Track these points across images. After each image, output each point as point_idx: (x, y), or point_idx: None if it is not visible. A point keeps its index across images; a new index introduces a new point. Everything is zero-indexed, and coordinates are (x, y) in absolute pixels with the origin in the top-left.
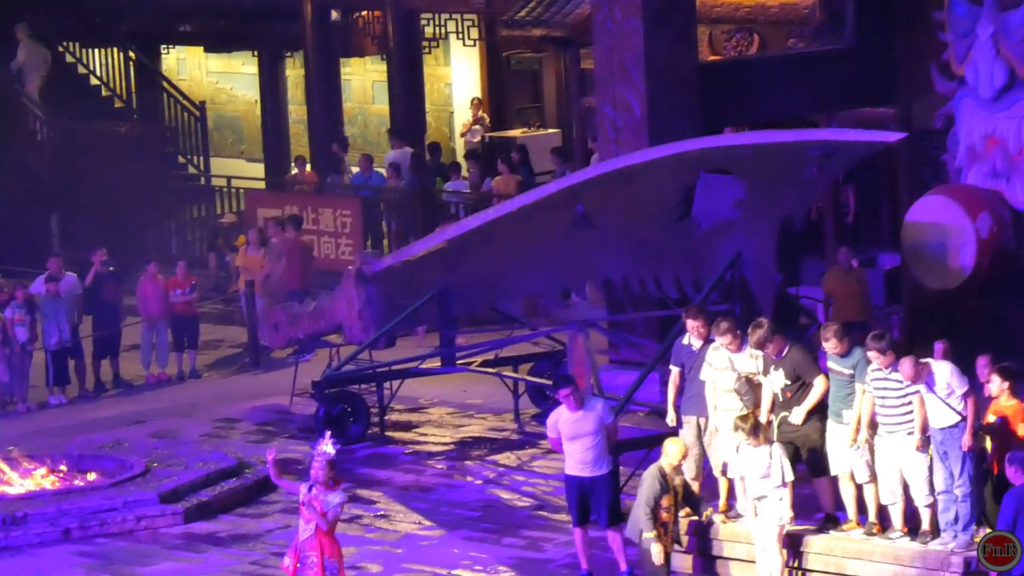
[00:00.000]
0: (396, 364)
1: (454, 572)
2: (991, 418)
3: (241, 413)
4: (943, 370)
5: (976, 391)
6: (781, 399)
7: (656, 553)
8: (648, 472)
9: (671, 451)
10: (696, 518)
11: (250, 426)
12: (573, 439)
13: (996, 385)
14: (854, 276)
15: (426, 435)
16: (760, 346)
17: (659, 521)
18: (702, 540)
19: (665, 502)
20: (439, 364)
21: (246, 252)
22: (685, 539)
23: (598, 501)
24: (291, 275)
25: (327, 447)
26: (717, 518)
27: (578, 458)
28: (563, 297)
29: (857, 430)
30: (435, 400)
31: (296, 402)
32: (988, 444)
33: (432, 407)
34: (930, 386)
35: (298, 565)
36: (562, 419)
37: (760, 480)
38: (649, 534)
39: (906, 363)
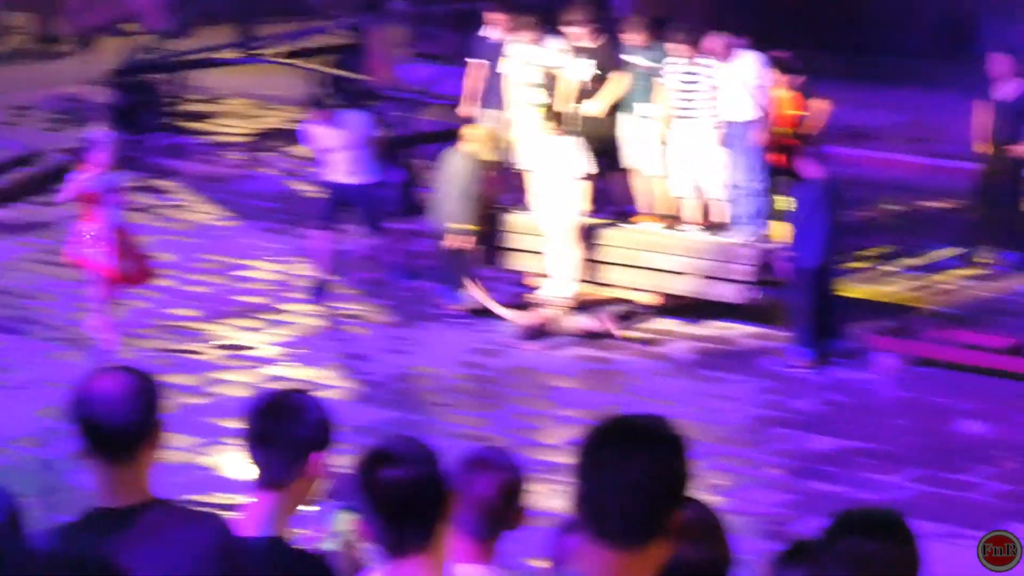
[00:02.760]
0: (192, 54)
1: (249, 262)
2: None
3: (35, 100)
4: (748, 59)
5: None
6: (583, 90)
7: (459, 243)
8: (452, 159)
9: (473, 137)
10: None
11: (44, 113)
12: (334, 151)
13: (772, 78)
14: None
15: (221, 125)
16: (573, 28)
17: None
18: (497, 232)
19: (479, 187)
20: (236, 55)
21: None
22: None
23: (359, 208)
24: None
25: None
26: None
27: (338, 167)
28: None
29: (659, 124)
30: (233, 91)
31: (91, 90)
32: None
33: (230, 98)
34: (733, 75)
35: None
36: (319, 132)
37: (556, 171)
38: (457, 226)
39: (714, 39)
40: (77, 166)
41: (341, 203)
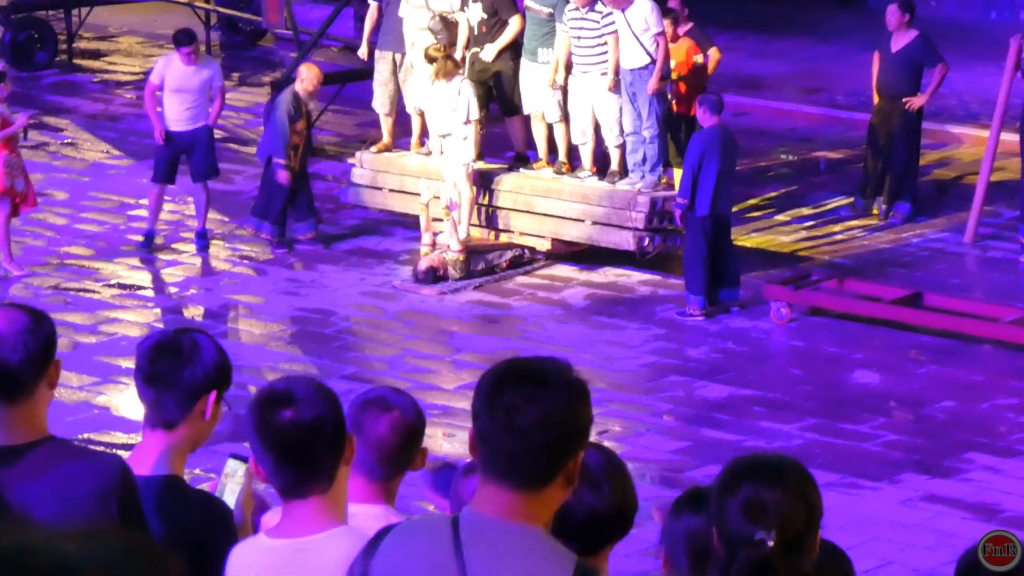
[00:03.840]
0: None
1: (142, 201)
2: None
3: None
4: (643, 6)
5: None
6: (476, 33)
7: (284, 177)
8: (282, 98)
9: (306, 75)
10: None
11: None
12: (177, 91)
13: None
14: None
15: (115, 64)
16: None
17: (290, 144)
18: (392, 176)
19: (299, 126)
20: None
21: None
22: (374, 174)
23: (197, 156)
24: None
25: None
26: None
27: (176, 113)
28: None
29: (556, 70)
30: (124, 29)
31: None
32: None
33: (122, 36)
34: (628, 21)
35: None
36: (174, 70)
37: (447, 115)
38: (280, 159)
39: None
40: None
41: (178, 151)
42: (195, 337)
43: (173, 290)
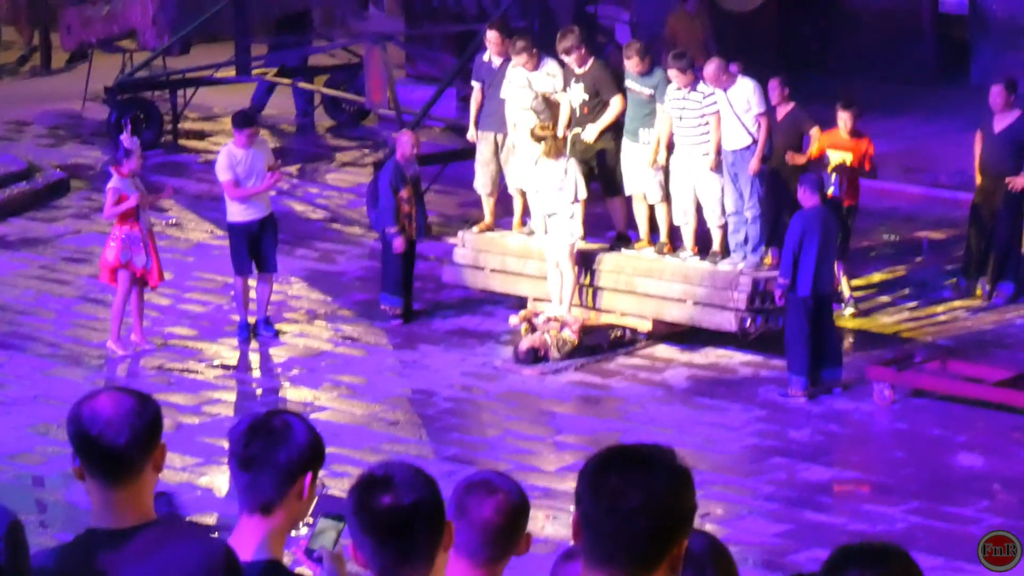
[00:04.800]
0: (190, 72)
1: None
2: (835, 155)
3: (32, 116)
4: (745, 86)
5: (769, 114)
6: (579, 115)
7: (399, 246)
8: (384, 169)
9: (400, 141)
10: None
11: (41, 129)
12: (248, 178)
13: (843, 118)
14: (699, 22)
15: (219, 144)
16: (566, 52)
17: (402, 214)
18: (493, 255)
19: (404, 194)
20: (234, 73)
21: None
22: (476, 254)
23: (267, 244)
24: None
25: (131, 136)
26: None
27: (247, 200)
28: (360, 7)
29: (657, 151)
30: (229, 109)
31: (88, 107)
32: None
33: (226, 116)
34: (730, 101)
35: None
36: (236, 158)
37: (553, 195)
38: (391, 228)
39: (712, 64)
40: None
41: (252, 240)
42: (287, 418)
43: (276, 370)
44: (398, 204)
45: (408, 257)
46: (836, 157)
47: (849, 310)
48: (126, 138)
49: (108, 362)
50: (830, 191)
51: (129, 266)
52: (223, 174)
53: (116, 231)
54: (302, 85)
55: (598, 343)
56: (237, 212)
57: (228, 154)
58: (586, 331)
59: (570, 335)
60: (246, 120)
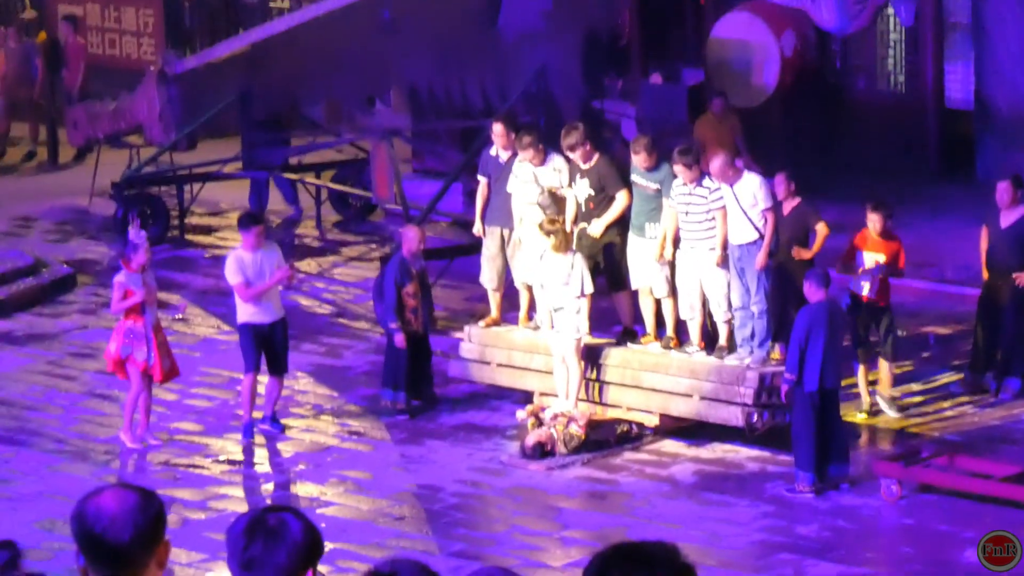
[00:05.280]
0: (197, 167)
1: None
2: (869, 256)
3: (39, 211)
4: (752, 181)
5: (776, 208)
6: (584, 210)
7: (400, 341)
8: (389, 265)
9: (407, 236)
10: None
11: (48, 224)
12: (259, 278)
13: (874, 221)
14: (727, 124)
15: (226, 239)
16: (571, 149)
17: (407, 309)
18: (499, 350)
19: (410, 289)
20: (240, 168)
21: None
22: (482, 348)
23: (279, 346)
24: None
25: (138, 230)
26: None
27: (259, 302)
28: (367, 103)
29: (663, 245)
30: (236, 204)
31: (95, 202)
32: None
33: (232, 211)
34: (736, 196)
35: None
36: (244, 262)
37: (559, 289)
38: (392, 323)
39: (718, 159)
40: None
41: (266, 341)
42: (283, 516)
43: (282, 465)
44: (402, 299)
45: (414, 351)
46: (869, 258)
47: (893, 412)
48: (133, 232)
49: (116, 457)
50: (865, 292)
51: (130, 360)
52: (233, 277)
53: (120, 324)
54: (309, 180)
55: (605, 438)
56: (249, 314)
57: (237, 259)
58: (593, 426)
59: (577, 430)
60: (252, 220)
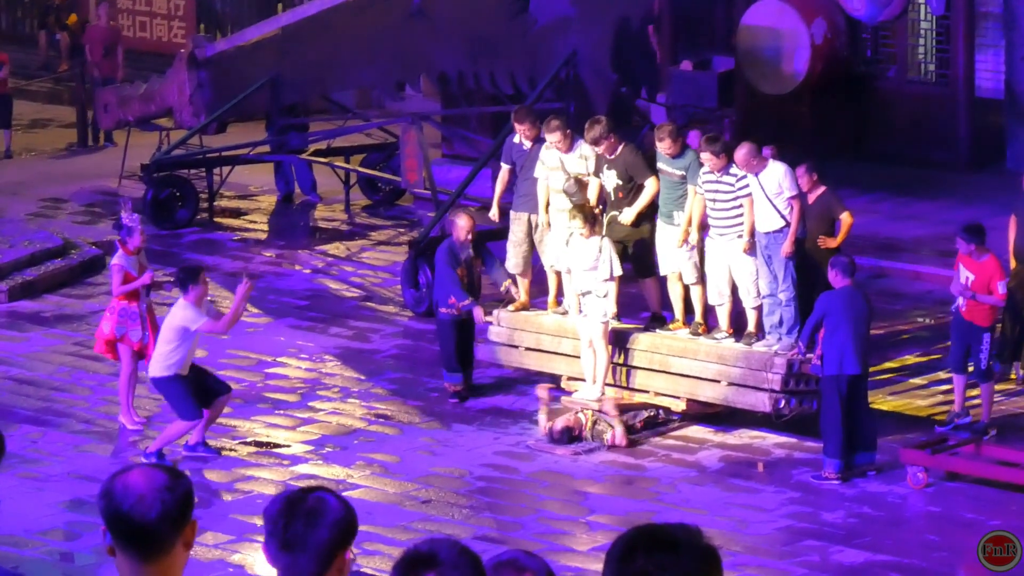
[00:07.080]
0: (226, 150)
1: (280, 359)
2: (964, 273)
3: (68, 193)
4: (777, 170)
5: (801, 197)
6: (613, 199)
7: (479, 316)
8: (440, 249)
9: (457, 224)
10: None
11: (77, 207)
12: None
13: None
14: None
15: (255, 222)
16: (595, 143)
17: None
18: (528, 334)
19: (459, 273)
20: (269, 151)
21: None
22: (511, 332)
23: (206, 375)
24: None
25: (131, 213)
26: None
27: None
28: (397, 89)
29: (687, 231)
30: (264, 188)
31: (124, 184)
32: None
33: (262, 195)
34: (761, 184)
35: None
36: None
37: (587, 273)
38: (466, 300)
39: (744, 148)
40: (120, 248)
41: (193, 383)
42: (321, 495)
43: (308, 448)
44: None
45: (461, 335)
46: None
47: None
48: (126, 216)
49: (143, 438)
50: (960, 302)
51: (125, 340)
52: (198, 321)
53: (114, 305)
54: (339, 164)
55: (632, 423)
56: (173, 366)
57: (185, 307)
58: (619, 411)
59: (605, 429)
60: (193, 275)
